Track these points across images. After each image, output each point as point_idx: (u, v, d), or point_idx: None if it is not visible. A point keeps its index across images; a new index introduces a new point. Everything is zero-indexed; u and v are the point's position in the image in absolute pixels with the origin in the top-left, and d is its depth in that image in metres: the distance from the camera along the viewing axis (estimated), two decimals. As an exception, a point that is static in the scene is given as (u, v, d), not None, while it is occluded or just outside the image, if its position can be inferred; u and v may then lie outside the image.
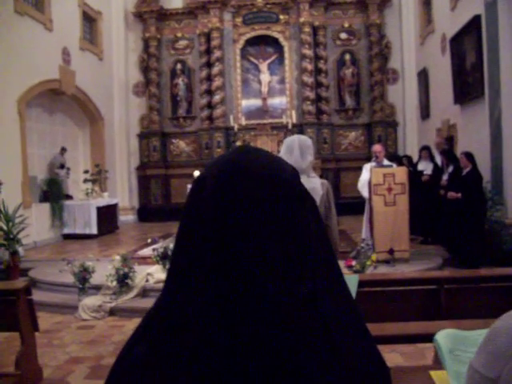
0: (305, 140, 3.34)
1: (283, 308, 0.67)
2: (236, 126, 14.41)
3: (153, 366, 0.69)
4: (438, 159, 9.56)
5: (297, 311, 0.69)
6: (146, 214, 15.25)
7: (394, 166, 8.37)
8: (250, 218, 0.68)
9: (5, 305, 4.21)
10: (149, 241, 8.72)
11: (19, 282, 4.52)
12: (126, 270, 6.68)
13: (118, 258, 6.94)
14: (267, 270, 0.67)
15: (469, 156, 7.87)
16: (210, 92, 15.15)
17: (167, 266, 7.06)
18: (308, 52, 14.85)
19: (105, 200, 12.82)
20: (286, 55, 15.25)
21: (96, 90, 13.74)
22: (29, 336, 4.34)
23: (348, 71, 15.25)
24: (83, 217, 11.95)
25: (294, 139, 3.32)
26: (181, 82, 15.46)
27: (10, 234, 8.52)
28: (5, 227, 8.57)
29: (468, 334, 1.87)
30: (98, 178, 13.25)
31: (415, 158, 10.69)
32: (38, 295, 6.39)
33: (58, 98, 12.41)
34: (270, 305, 0.67)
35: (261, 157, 0.74)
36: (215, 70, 14.98)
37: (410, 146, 14.69)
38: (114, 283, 6.65)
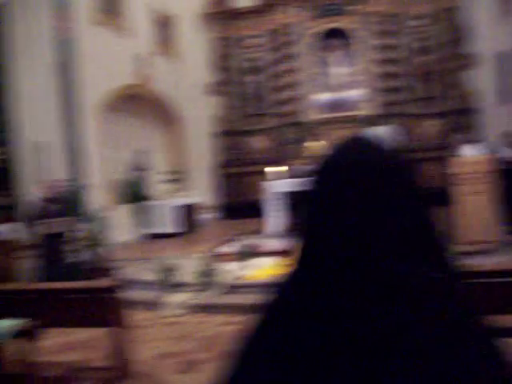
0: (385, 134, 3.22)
1: (411, 289, 0.70)
2: (309, 121, 14.33)
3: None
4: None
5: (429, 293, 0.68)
6: (224, 211, 15.47)
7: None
8: (374, 206, 0.73)
9: (95, 302, 4.37)
10: (228, 238, 8.80)
11: (106, 281, 4.69)
12: (208, 267, 6.77)
13: (199, 255, 7.06)
14: (392, 254, 0.71)
15: None
16: (281, 88, 15.14)
17: (246, 263, 7.12)
18: (378, 42, 14.51)
19: (184, 199, 13.07)
20: (356, 46, 14.98)
21: (171, 92, 14.03)
22: (117, 332, 4.48)
23: (421, 58, 14.78)
24: (163, 216, 12.25)
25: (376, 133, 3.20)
26: (253, 79, 15.52)
27: (95, 237, 8.82)
28: (93, 229, 8.89)
29: None
30: (177, 177, 13.54)
31: (497, 145, 10.18)
32: (124, 293, 6.57)
33: (134, 101, 12.76)
34: (397, 286, 0.67)
35: (375, 148, 0.78)
36: (286, 65, 14.95)
37: (489, 132, 14.00)
38: (197, 280, 6.76)
